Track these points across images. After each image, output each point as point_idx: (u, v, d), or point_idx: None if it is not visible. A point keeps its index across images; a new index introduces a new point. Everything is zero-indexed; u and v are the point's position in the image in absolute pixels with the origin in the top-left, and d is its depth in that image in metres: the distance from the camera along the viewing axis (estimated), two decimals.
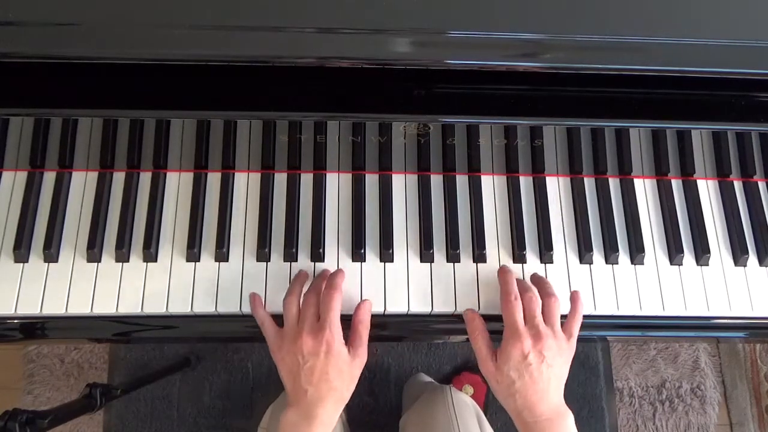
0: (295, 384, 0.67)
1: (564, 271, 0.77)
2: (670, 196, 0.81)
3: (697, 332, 0.80)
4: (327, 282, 0.71)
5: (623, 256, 0.78)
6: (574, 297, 0.74)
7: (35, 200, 0.77)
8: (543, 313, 0.69)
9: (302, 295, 0.71)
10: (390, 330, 0.77)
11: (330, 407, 0.66)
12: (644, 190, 0.82)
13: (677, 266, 0.79)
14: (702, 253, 0.78)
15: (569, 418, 0.67)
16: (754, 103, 0.70)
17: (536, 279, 0.75)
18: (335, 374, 0.66)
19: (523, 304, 0.69)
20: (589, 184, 0.81)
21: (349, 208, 0.79)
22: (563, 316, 0.72)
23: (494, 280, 0.75)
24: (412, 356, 1.43)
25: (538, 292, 0.72)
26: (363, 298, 0.75)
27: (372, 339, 0.71)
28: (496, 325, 0.72)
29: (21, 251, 0.74)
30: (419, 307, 0.75)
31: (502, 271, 0.74)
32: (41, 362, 1.46)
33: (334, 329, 0.67)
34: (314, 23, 0.61)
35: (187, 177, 0.79)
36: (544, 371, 0.66)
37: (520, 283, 0.73)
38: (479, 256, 0.77)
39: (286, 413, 0.67)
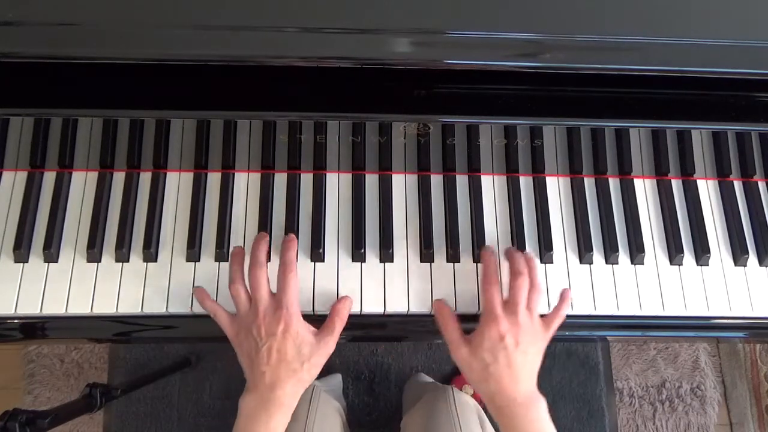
0: (253, 367, 0.65)
1: (564, 271, 0.77)
2: (670, 196, 0.81)
3: (697, 332, 0.80)
4: (280, 261, 0.70)
5: (623, 256, 0.78)
6: (564, 294, 0.73)
7: (35, 200, 0.77)
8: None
9: (246, 277, 0.70)
10: (390, 330, 0.77)
11: (289, 389, 0.65)
12: (644, 190, 0.82)
13: (677, 266, 0.79)
14: (702, 253, 0.78)
15: (543, 404, 0.66)
16: (754, 103, 0.70)
17: (527, 258, 0.73)
18: (294, 354, 0.65)
19: (512, 288, 0.69)
20: (589, 184, 0.81)
21: (349, 208, 0.79)
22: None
23: None
24: (412, 356, 1.42)
25: None
26: (363, 298, 0.75)
27: (372, 339, 0.71)
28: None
29: (21, 251, 0.74)
30: (419, 307, 0.75)
31: (485, 254, 0.73)
32: (41, 362, 1.46)
33: (291, 308, 0.66)
34: (314, 23, 0.61)
35: (187, 177, 0.79)
36: (518, 357, 0.65)
37: (516, 262, 0.71)
38: (479, 256, 0.77)
39: (244, 397, 0.65)
